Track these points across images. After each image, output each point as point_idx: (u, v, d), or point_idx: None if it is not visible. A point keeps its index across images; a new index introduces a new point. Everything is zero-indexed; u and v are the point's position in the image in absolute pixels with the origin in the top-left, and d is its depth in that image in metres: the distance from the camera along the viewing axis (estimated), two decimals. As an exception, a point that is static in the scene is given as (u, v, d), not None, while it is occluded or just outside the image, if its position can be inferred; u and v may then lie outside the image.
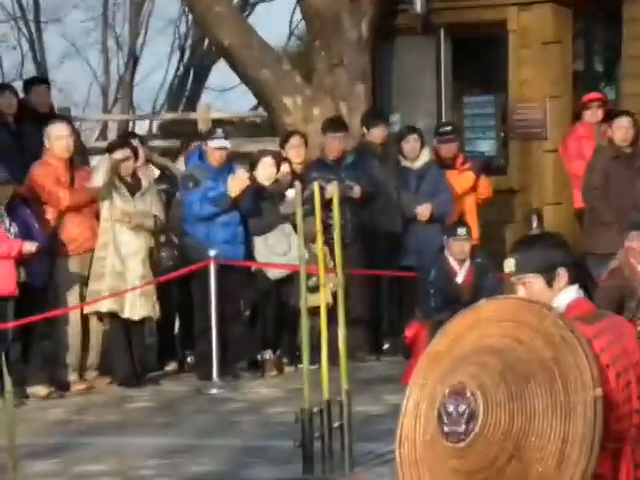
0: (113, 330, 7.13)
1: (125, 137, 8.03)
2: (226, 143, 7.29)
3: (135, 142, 7.51)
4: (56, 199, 7.14)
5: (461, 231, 6.80)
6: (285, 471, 5.24)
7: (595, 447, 2.59)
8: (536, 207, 7.96)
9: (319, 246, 5.51)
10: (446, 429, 2.67)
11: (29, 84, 8.31)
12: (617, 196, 7.43)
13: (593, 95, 7.95)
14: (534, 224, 7.40)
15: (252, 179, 7.28)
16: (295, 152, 7.62)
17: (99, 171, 7.09)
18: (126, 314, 7.02)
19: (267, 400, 6.67)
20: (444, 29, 8.50)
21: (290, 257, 7.17)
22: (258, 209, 7.28)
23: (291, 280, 7.17)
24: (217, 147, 7.24)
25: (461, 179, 7.75)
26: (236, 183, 7.17)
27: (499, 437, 2.63)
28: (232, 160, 7.50)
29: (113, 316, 7.08)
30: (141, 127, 15.89)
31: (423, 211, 7.56)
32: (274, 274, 7.25)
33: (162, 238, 7.15)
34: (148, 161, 7.73)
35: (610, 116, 7.61)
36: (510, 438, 2.62)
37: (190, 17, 16.90)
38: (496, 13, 8.23)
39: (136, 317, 7.05)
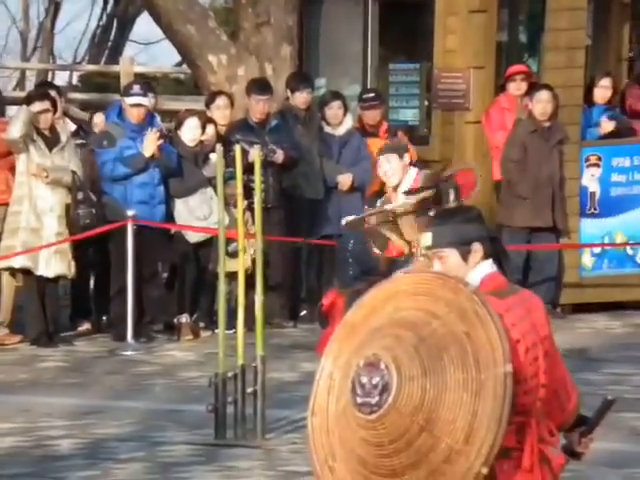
0: (26, 287, 7.02)
1: (44, 88, 7.82)
2: (144, 100, 7.15)
3: (54, 94, 7.33)
4: (-31, 150, 6.96)
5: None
6: (197, 435, 5.24)
7: (503, 422, 2.65)
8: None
9: (239, 210, 5.47)
10: (359, 400, 2.71)
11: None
12: (534, 170, 7.52)
13: (518, 67, 8.00)
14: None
15: (176, 139, 7.17)
16: (221, 113, 7.54)
17: (16, 123, 6.91)
18: (40, 271, 6.91)
19: (181, 364, 6.66)
20: (373, -9, 8.46)
21: (211, 221, 7.12)
22: (179, 170, 7.19)
23: (210, 244, 7.12)
24: (134, 104, 7.10)
25: (378, 143, 7.73)
26: (149, 143, 7.05)
27: (411, 410, 2.67)
28: (153, 117, 7.37)
29: (26, 273, 6.97)
30: (61, 78, 15.50)
31: (344, 180, 7.56)
32: (193, 237, 7.21)
33: (80, 195, 7.01)
34: (65, 114, 7.56)
35: (533, 89, 7.68)
36: (421, 411, 2.67)
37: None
38: (424, -21, 8.28)
39: (50, 275, 6.94)
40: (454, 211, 3.04)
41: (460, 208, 3.24)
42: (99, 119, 7.56)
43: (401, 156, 5.69)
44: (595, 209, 8.01)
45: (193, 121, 7.22)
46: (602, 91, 8.04)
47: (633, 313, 7.90)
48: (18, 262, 6.90)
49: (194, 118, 7.26)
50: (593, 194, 8.03)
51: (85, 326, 7.47)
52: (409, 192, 5.53)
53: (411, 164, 7.82)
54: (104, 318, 7.46)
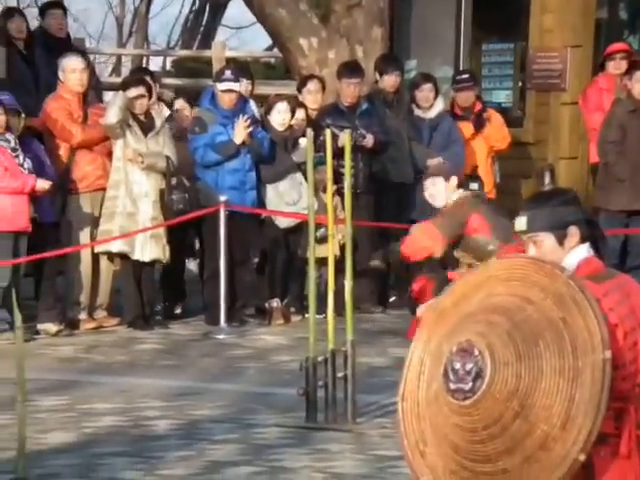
0: (123, 271, 7.13)
1: (139, 74, 7.94)
2: (235, 85, 7.16)
3: (149, 79, 7.42)
4: (69, 135, 7.09)
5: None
6: (288, 418, 5.29)
7: (602, 409, 2.61)
8: (549, 162, 7.87)
9: (329, 196, 5.48)
10: (452, 386, 2.69)
11: (45, 8, 8.21)
12: (633, 152, 7.32)
13: (618, 46, 7.77)
14: (546, 180, 7.32)
15: (263, 122, 7.20)
16: (312, 97, 7.53)
17: (112, 108, 7.03)
18: (136, 255, 7.01)
19: (273, 347, 6.70)
20: (466, -28, 8.34)
21: (300, 206, 7.14)
22: (271, 156, 7.20)
23: (300, 229, 7.15)
24: (225, 89, 7.12)
25: (465, 128, 7.60)
26: (239, 130, 7.07)
27: (505, 396, 2.65)
28: (246, 101, 7.40)
29: (123, 257, 7.09)
30: (155, 63, 15.75)
31: (434, 164, 7.46)
32: (283, 223, 7.23)
33: (173, 181, 7.11)
34: (159, 99, 7.66)
35: (633, 68, 7.50)
36: (516, 397, 2.64)
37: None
38: (520, -43, 8.11)
39: (146, 259, 7.04)
40: (549, 194, 2.99)
41: (556, 191, 3.17)
42: (180, 105, 7.63)
43: (447, 179, 5.62)
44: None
45: (282, 105, 7.23)
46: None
47: None
48: (116, 246, 7.01)
49: (283, 102, 7.26)
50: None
51: (178, 310, 7.59)
52: None
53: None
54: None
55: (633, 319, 2.77)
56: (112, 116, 6.98)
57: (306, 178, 7.19)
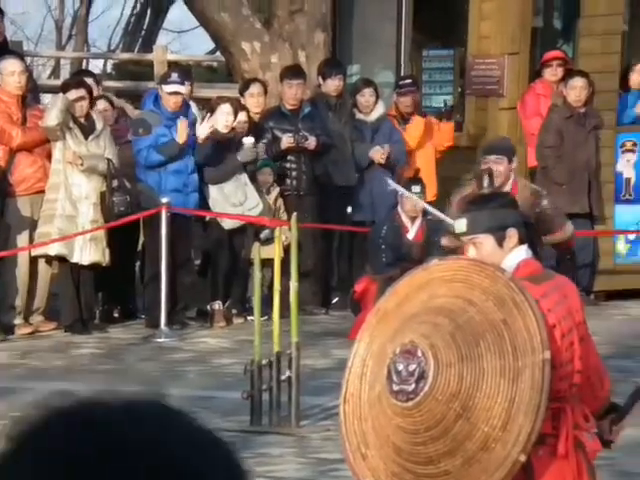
0: (61, 274, 7.03)
1: (80, 76, 7.82)
2: (182, 88, 7.12)
3: (90, 81, 7.32)
4: (8, 137, 6.95)
5: (415, 188, 6.79)
6: (231, 422, 5.24)
7: (541, 409, 2.62)
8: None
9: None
10: (395, 387, 2.69)
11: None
12: (569, 156, 7.41)
13: (554, 53, 7.91)
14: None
15: (210, 127, 7.14)
16: (254, 100, 7.51)
17: (52, 110, 6.91)
18: (75, 259, 6.91)
19: (214, 351, 6.64)
20: (407, -23, 8.37)
21: (245, 207, 7.10)
22: (214, 157, 7.17)
23: (244, 231, 7.11)
24: (172, 92, 7.08)
25: (412, 128, 7.67)
26: (183, 129, 7.03)
27: (447, 397, 2.65)
28: (188, 105, 7.35)
29: (62, 260, 6.99)
30: (95, 66, 15.53)
31: (377, 153, 7.43)
32: (228, 224, 7.18)
33: (115, 183, 7.01)
34: (103, 97, 7.54)
35: (568, 75, 7.59)
36: (458, 398, 2.64)
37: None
38: (459, -35, 8.18)
39: (85, 262, 6.94)
40: (488, 197, 3.08)
41: (495, 194, 3.21)
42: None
43: (510, 160, 5.36)
44: (630, 195, 7.90)
45: (226, 107, 7.19)
46: (638, 76, 7.92)
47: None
48: (54, 249, 6.90)
49: (227, 104, 7.22)
50: (628, 180, 7.92)
51: (116, 313, 7.47)
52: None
53: (449, 146, 7.62)
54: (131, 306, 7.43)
55: (570, 320, 2.80)
56: (52, 118, 6.86)
57: (251, 179, 7.19)
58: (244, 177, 7.17)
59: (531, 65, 8.12)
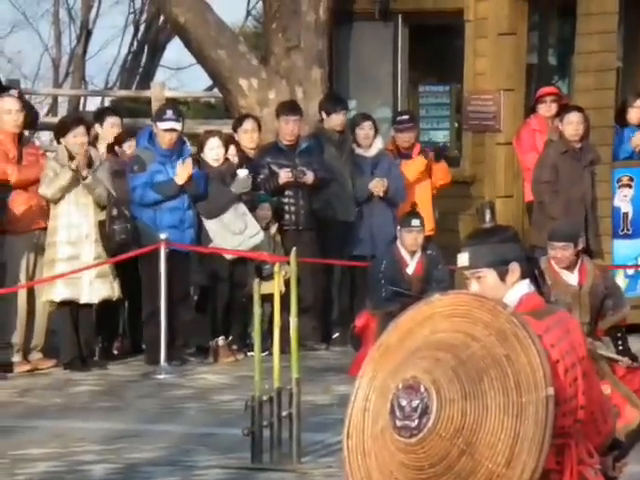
0: (60, 311, 6.99)
1: (78, 114, 7.83)
2: (177, 125, 7.12)
3: (113, 119, 7.31)
4: (3, 175, 6.98)
5: (415, 222, 6.81)
6: (231, 459, 5.21)
7: (545, 446, 2.60)
8: (489, 200, 8.02)
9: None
10: (398, 423, 2.66)
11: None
12: (565, 191, 7.44)
13: (548, 89, 7.97)
14: (487, 217, 7.42)
15: (199, 161, 7.17)
16: (248, 136, 7.54)
17: (54, 185, 6.73)
18: (84, 299, 6.82)
19: (214, 387, 6.60)
20: (402, 16, 8.46)
21: (246, 235, 7.09)
22: (206, 193, 7.15)
23: (245, 261, 7.09)
24: (167, 129, 7.09)
25: (412, 165, 7.72)
26: (184, 170, 7.02)
27: (451, 433, 2.63)
28: (183, 142, 7.37)
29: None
30: (93, 103, 15.65)
31: (376, 185, 7.46)
32: (225, 254, 7.17)
33: (114, 211, 7.00)
34: (110, 109, 7.49)
35: (564, 110, 7.63)
36: (462, 435, 2.62)
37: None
38: (453, 2, 8.17)
39: (96, 300, 6.86)
40: (491, 231, 2.99)
41: (496, 228, 3.20)
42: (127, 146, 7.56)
43: (576, 245, 5.27)
44: (628, 230, 7.93)
45: (215, 141, 7.19)
46: (637, 111, 7.98)
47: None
48: (59, 295, 6.83)
49: (215, 138, 7.22)
50: (626, 215, 7.95)
51: (115, 350, 7.44)
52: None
53: (445, 185, 7.66)
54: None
55: (573, 355, 2.77)
56: (51, 193, 6.84)
57: (249, 208, 7.16)
58: (242, 207, 7.17)
59: (526, 101, 8.20)
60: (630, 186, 7.97)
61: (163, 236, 6.88)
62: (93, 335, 7.18)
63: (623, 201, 7.96)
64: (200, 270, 7.22)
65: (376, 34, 8.58)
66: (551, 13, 8.45)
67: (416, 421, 2.65)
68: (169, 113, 7.16)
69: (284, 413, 5.07)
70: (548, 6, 8.34)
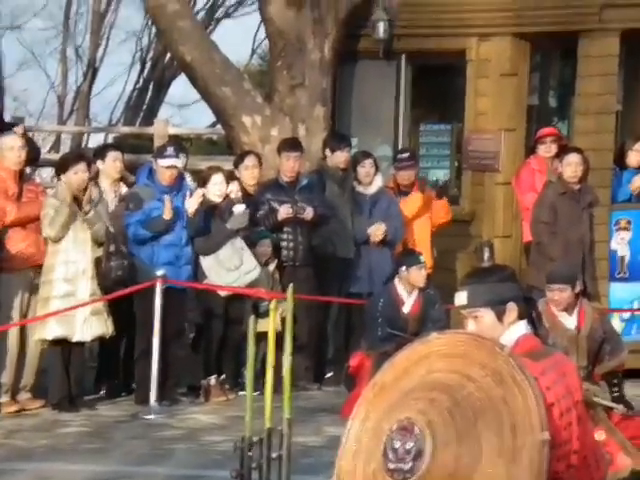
0: (51, 350, 6.82)
1: (79, 150, 7.77)
2: (177, 161, 7.08)
3: (115, 153, 7.25)
4: (2, 212, 6.90)
5: (422, 258, 6.74)
6: (221, 501, 5.07)
7: (539, 491, 2.50)
8: (487, 239, 7.98)
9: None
10: (391, 466, 2.58)
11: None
12: (564, 232, 7.39)
13: (548, 130, 7.93)
14: (485, 256, 7.36)
15: (199, 199, 7.11)
16: (249, 173, 7.48)
17: (55, 223, 6.63)
18: (77, 337, 6.68)
19: (205, 427, 6.45)
20: (405, 55, 8.47)
21: (242, 271, 7.02)
22: (208, 228, 7.08)
23: (241, 297, 7.01)
24: (167, 166, 7.04)
25: (410, 202, 7.68)
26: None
27: (445, 477, 2.54)
28: (183, 178, 7.25)
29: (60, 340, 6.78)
30: (96, 140, 15.66)
31: (376, 231, 7.44)
32: (224, 291, 7.05)
33: (112, 247, 6.91)
34: (112, 146, 7.40)
35: (563, 152, 7.59)
36: (456, 478, 2.53)
37: (153, 30, 16.76)
38: (456, 42, 8.18)
39: (88, 338, 6.74)
40: (489, 270, 2.96)
41: (495, 267, 3.16)
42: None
43: (574, 287, 5.26)
44: (624, 273, 7.84)
45: (218, 177, 7.14)
46: (636, 155, 7.94)
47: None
48: (52, 333, 6.70)
49: (218, 174, 7.17)
50: (622, 258, 7.88)
51: (103, 391, 7.27)
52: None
53: (445, 222, 7.58)
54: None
55: (569, 399, 2.72)
56: (52, 232, 6.73)
57: (247, 243, 7.07)
58: (239, 242, 7.09)
59: (527, 141, 8.18)
60: (628, 229, 7.91)
61: (159, 273, 6.77)
62: (83, 374, 7.04)
63: (620, 244, 7.89)
64: (195, 307, 7.11)
65: (379, 73, 8.58)
66: (552, 55, 8.46)
67: (410, 464, 2.58)
68: (170, 150, 7.11)
69: (274, 455, 4.94)
70: (549, 48, 8.35)
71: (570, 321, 5.31)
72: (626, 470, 4.73)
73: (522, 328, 2.80)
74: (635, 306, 7.79)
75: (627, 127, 8.23)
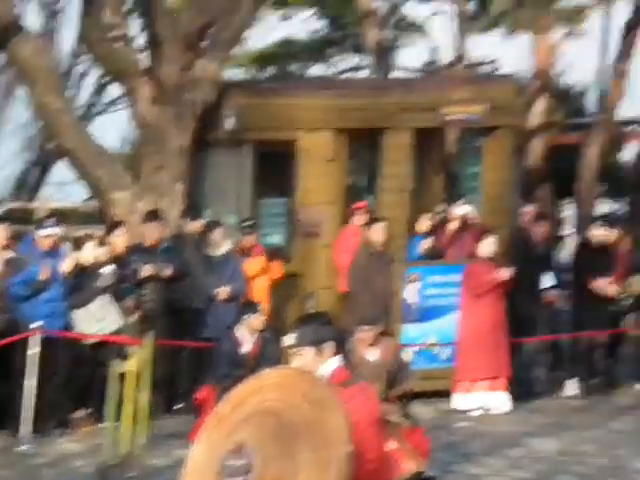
0: None
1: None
2: (55, 230, 7.04)
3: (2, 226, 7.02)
4: None
5: (260, 307, 6.83)
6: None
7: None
8: (312, 290, 8.25)
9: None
10: (226, 480, 2.52)
11: None
12: (372, 284, 7.76)
13: (361, 204, 8.38)
14: (310, 304, 7.55)
15: (72, 262, 6.97)
16: (118, 239, 7.48)
17: None
18: None
19: (71, 454, 6.12)
20: (250, 143, 8.64)
21: (108, 321, 6.96)
22: (80, 286, 6.98)
23: (105, 344, 6.88)
24: (46, 235, 6.99)
25: (253, 263, 7.88)
26: (44, 270, 6.87)
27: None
28: (59, 245, 7.14)
29: None
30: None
31: (222, 291, 7.62)
32: (90, 339, 6.89)
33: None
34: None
35: (372, 221, 8.02)
36: (281, 487, 2.49)
37: (39, 122, 16.24)
38: (289, 135, 8.47)
39: None
40: (311, 316, 3.04)
41: (316, 314, 3.23)
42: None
43: (378, 328, 5.40)
44: (414, 316, 8.17)
45: (90, 243, 7.17)
46: (424, 223, 8.38)
47: (439, 400, 7.89)
48: None
49: (91, 241, 7.20)
50: (413, 304, 8.23)
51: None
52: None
53: (279, 278, 7.75)
54: None
55: (370, 417, 2.77)
56: None
57: (115, 298, 7.00)
58: (107, 297, 7.05)
59: (344, 213, 8.45)
60: (418, 281, 8.29)
61: (37, 324, 6.50)
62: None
63: (412, 293, 8.25)
64: (66, 353, 6.85)
65: (229, 157, 8.71)
66: (364, 145, 8.85)
67: (241, 477, 2.52)
68: (49, 222, 7.11)
69: (130, 475, 4.71)
70: (362, 139, 8.76)
71: (373, 355, 5.44)
72: (409, 473, 4.91)
73: (336, 362, 2.87)
74: (422, 342, 8.11)
75: (418, 202, 8.69)
